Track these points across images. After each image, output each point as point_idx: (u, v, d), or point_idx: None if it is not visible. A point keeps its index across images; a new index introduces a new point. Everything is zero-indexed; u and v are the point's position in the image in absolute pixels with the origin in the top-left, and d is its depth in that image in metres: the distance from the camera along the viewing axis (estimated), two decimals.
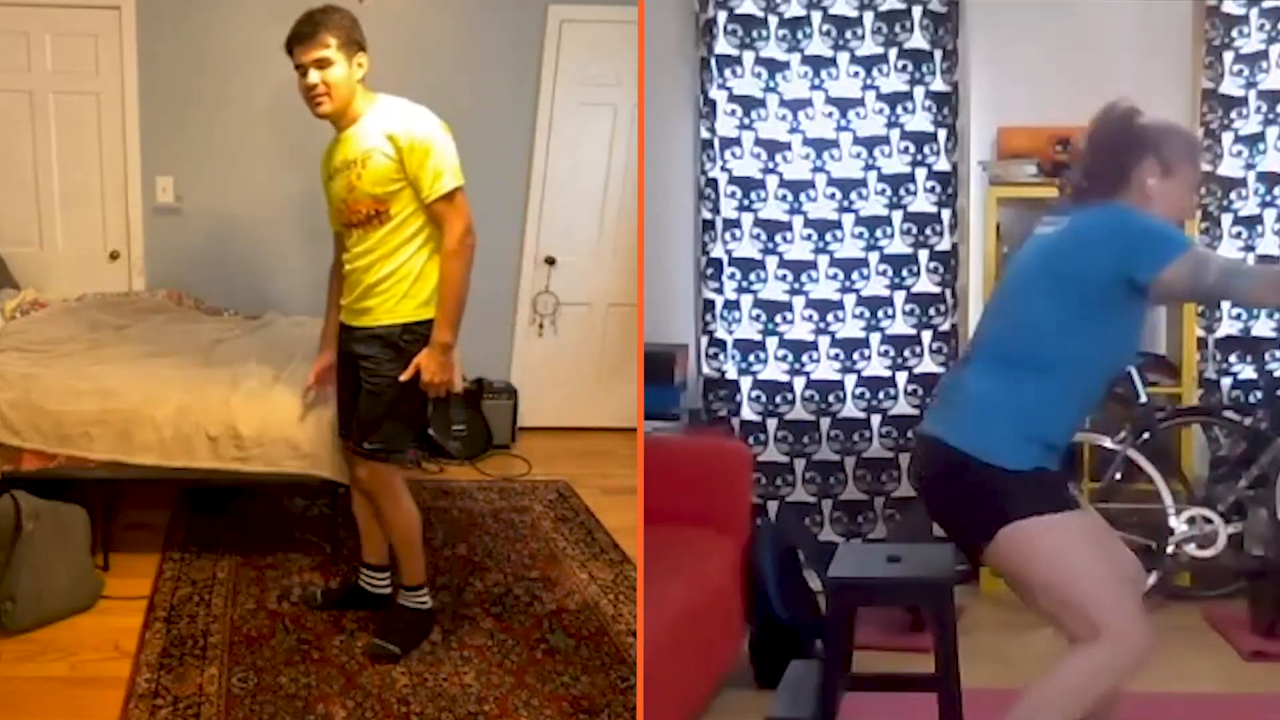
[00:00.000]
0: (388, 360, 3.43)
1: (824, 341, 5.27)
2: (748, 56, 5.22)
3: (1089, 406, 2.87)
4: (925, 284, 5.23)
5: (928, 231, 5.22)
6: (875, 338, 5.26)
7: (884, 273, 5.25)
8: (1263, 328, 5.11)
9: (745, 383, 5.29)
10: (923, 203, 5.22)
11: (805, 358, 5.27)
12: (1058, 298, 2.71)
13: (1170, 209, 2.80)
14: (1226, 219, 5.08)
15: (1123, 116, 2.84)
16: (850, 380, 5.27)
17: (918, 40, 5.16)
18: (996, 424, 2.74)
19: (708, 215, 5.27)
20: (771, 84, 5.22)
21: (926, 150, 5.20)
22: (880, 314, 5.25)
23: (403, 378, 3.41)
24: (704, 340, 5.30)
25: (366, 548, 3.83)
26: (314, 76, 3.35)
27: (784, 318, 5.27)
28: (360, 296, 3.47)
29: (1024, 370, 2.73)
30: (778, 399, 5.28)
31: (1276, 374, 5.08)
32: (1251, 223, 5.10)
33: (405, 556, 3.67)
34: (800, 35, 5.20)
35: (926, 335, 5.23)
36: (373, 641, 3.60)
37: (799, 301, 5.27)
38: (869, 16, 5.18)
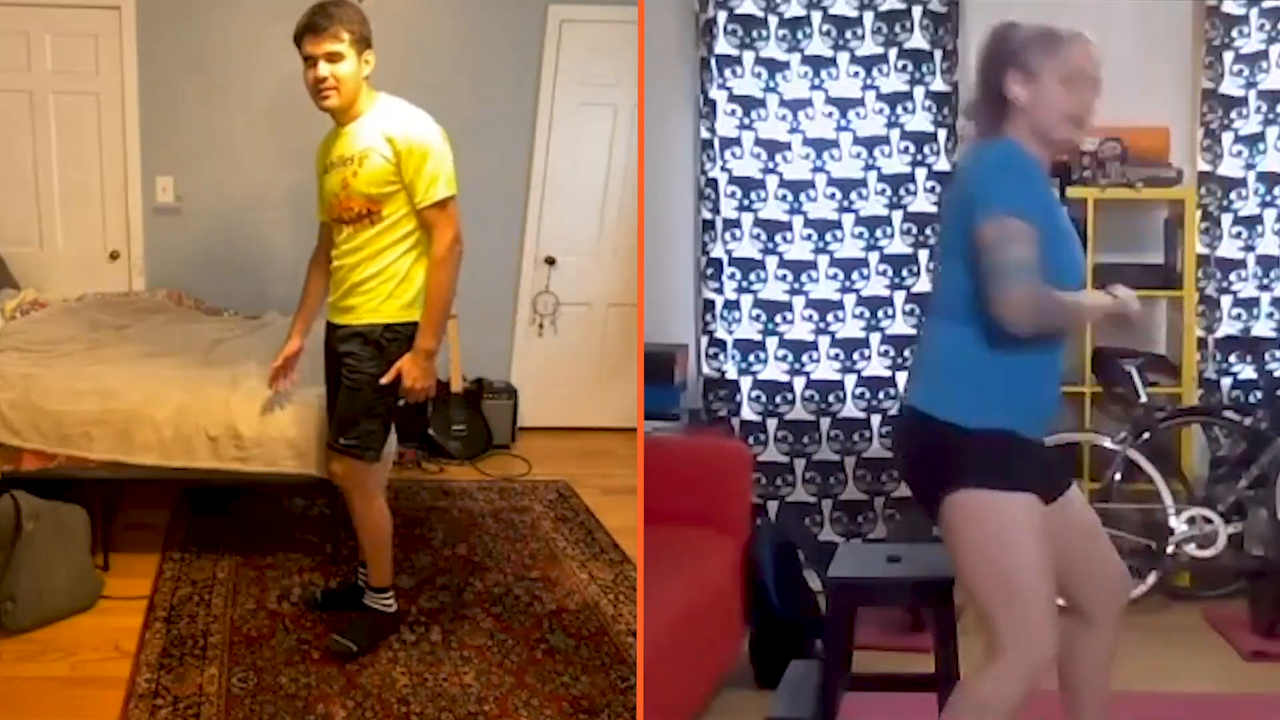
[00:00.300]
0: (369, 358, 3.43)
1: (824, 341, 5.27)
2: (748, 56, 5.22)
3: (1046, 355, 2.64)
4: (925, 284, 5.22)
5: (928, 231, 5.21)
6: (875, 338, 5.26)
7: (884, 273, 5.25)
8: (1263, 328, 5.11)
9: (745, 383, 5.28)
10: (923, 203, 5.21)
11: (805, 358, 5.27)
12: (959, 246, 2.58)
13: (1050, 115, 2.60)
14: (1226, 219, 5.08)
15: (992, 34, 2.66)
16: (850, 380, 5.27)
17: (918, 40, 5.16)
18: (951, 377, 2.63)
19: (708, 215, 5.27)
20: (771, 84, 5.22)
21: (926, 150, 5.20)
22: (880, 314, 5.25)
23: (383, 380, 3.41)
24: (704, 340, 5.30)
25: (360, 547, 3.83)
26: (324, 69, 3.34)
27: (784, 318, 5.27)
28: (345, 294, 3.48)
29: (967, 322, 2.58)
30: (778, 399, 5.28)
31: (1276, 374, 5.08)
32: (1251, 223, 5.10)
33: (373, 557, 3.68)
34: (800, 35, 5.20)
35: None
36: (332, 637, 3.61)
37: (799, 301, 5.27)
38: (869, 16, 5.18)
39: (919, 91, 5.18)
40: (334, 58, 3.34)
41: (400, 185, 3.35)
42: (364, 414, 3.47)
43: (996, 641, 2.57)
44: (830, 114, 5.22)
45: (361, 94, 3.41)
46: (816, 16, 5.19)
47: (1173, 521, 4.74)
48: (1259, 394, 5.07)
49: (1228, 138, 5.05)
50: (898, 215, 5.23)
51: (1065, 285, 2.57)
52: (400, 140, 3.33)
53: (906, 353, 5.23)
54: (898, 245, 5.23)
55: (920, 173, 5.20)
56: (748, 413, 5.28)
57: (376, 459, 3.59)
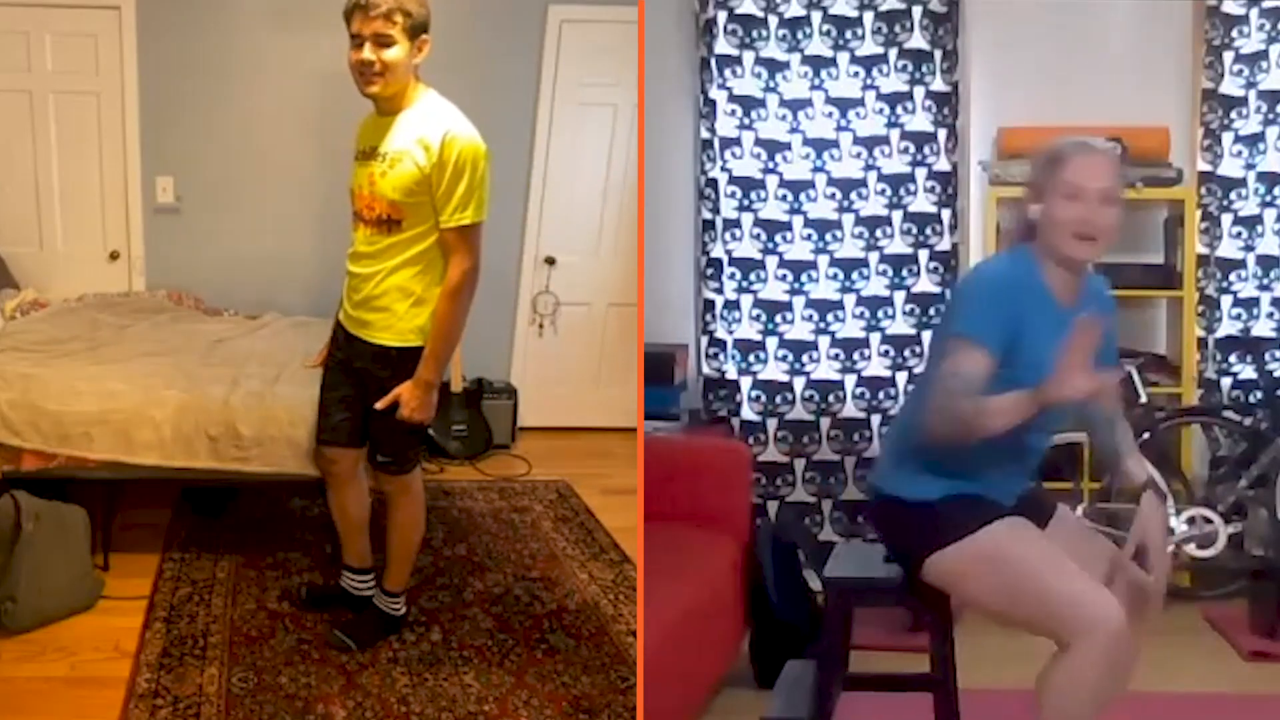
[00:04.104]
0: (389, 377, 3.34)
1: (824, 341, 5.27)
2: (748, 56, 5.21)
3: (1029, 436, 2.76)
4: (925, 284, 5.22)
5: (928, 231, 5.22)
6: (875, 338, 5.26)
7: (884, 273, 5.25)
8: (1263, 328, 5.11)
9: (745, 383, 5.28)
10: (923, 203, 5.21)
11: (805, 358, 5.27)
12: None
13: (1053, 230, 2.73)
14: (1226, 219, 5.08)
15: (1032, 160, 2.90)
16: (850, 380, 5.27)
17: (918, 40, 5.16)
18: (901, 456, 2.86)
19: (708, 215, 5.27)
20: (771, 84, 5.22)
21: (926, 150, 5.19)
22: (880, 314, 5.25)
23: (378, 406, 3.33)
24: (704, 340, 5.30)
25: (348, 551, 3.81)
26: (369, 53, 3.10)
27: (784, 318, 5.27)
28: (359, 305, 3.37)
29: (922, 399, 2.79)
30: (778, 399, 5.27)
31: (1276, 374, 5.08)
32: (1251, 223, 5.10)
33: (397, 561, 3.68)
34: (800, 35, 5.20)
35: (926, 335, 5.23)
36: (334, 632, 3.63)
37: (799, 301, 5.27)
38: (869, 16, 5.17)
39: (919, 91, 5.18)
40: (383, 41, 3.10)
41: (428, 198, 3.17)
42: (394, 430, 3.40)
43: (1064, 632, 2.62)
44: (830, 114, 5.21)
45: (409, 85, 3.21)
46: (816, 16, 5.18)
47: (1173, 521, 4.74)
48: (1259, 394, 5.07)
49: (1228, 138, 5.05)
50: (898, 215, 5.22)
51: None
52: (438, 150, 3.11)
53: (906, 353, 5.23)
54: (898, 245, 5.23)
55: (920, 173, 5.20)
56: (748, 413, 5.28)
57: (415, 468, 3.58)
